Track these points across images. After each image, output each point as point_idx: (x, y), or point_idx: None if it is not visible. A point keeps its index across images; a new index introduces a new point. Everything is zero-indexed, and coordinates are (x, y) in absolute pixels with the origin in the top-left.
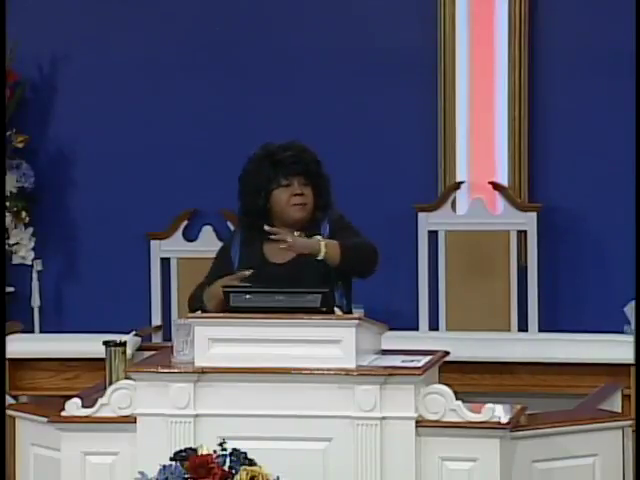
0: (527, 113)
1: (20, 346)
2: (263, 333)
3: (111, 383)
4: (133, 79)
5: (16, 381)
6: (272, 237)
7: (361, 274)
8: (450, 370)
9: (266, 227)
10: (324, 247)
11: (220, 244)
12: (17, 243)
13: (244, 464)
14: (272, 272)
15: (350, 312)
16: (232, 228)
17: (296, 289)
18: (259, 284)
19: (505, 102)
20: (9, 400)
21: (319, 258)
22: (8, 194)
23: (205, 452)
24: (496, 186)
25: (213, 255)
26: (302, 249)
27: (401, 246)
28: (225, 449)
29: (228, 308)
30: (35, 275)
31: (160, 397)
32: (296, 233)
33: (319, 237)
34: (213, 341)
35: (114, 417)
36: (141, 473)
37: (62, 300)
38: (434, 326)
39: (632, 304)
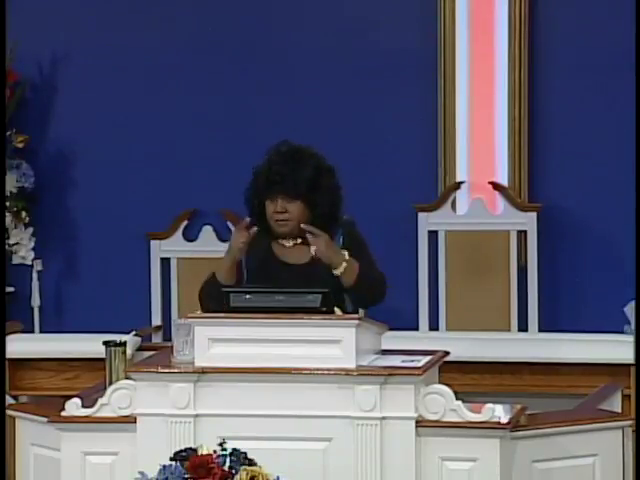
0: (527, 113)
1: (20, 346)
2: (263, 333)
3: (111, 383)
4: (133, 79)
5: (16, 381)
6: (308, 232)
7: (365, 305)
8: (450, 370)
9: (303, 225)
10: (344, 265)
11: (220, 244)
12: (17, 243)
13: (244, 464)
14: (282, 272)
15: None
16: (233, 228)
17: (296, 289)
18: (268, 282)
19: (505, 102)
20: (9, 400)
21: (335, 273)
22: (8, 194)
23: (205, 452)
24: (496, 186)
25: (213, 255)
26: (324, 255)
27: (401, 246)
28: (225, 449)
29: (228, 308)
30: (35, 275)
31: (160, 397)
32: (298, 240)
33: (346, 253)
34: (213, 341)
35: (114, 417)
36: (141, 473)
37: (62, 300)
38: (434, 326)
39: (632, 304)
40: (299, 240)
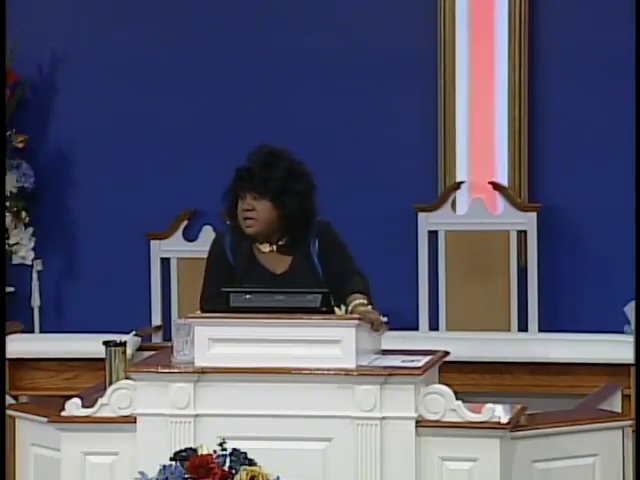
0: (527, 113)
1: (20, 346)
2: (263, 333)
3: (111, 383)
4: (133, 79)
5: (16, 381)
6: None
7: None
8: (450, 370)
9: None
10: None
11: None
12: (17, 243)
13: (244, 464)
14: (266, 279)
15: None
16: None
17: (296, 289)
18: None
19: (505, 102)
20: (9, 400)
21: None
22: (8, 194)
23: (205, 452)
24: (496, 186)
25: None
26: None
27: (401, 246)
28: (225, 449)
29: (228, 308)
30: (35, 275)
31: (160, 397)
32: (274, 246)
33: (361, 304)
34: (213, 341)
35: (114, 417)
36: (141, 473)
37: (62, 300)
38: (434, 326)
39: (632, 304)
40: (274, 247)
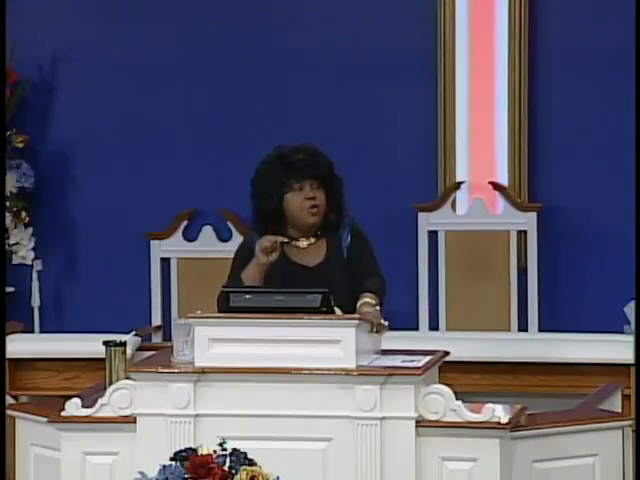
0: (527, 113)
1: (20, 346)
2: (263, 333)
3: (111, 383)
4: (133, 79)
5: (16, 381)
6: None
7: None
8: (450, 370)
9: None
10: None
11: (220, 244)
12: (17, 243)
13: (244, 464)
14: (300, 274)
15: None
16: (232, 229)
17: (297, 289)
18: (287, 286)
19: (505, 102)
20: (9, 400)
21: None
22: (8, 194)
23: (205, 452)
24: (496, 186)
25: (213, 255)
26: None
27: (401, 246)
28: (225, 449)
29: (228, 308)
30: (35, 275)
31: (160, 397)
32: (312, 239)
33: (368, 304)
34: (213, 341)
35: (114, 417)
36: (141, 473)
37: (62, 300)
38: (434, 326)
39: (632, 304)
40: (313, 239)
